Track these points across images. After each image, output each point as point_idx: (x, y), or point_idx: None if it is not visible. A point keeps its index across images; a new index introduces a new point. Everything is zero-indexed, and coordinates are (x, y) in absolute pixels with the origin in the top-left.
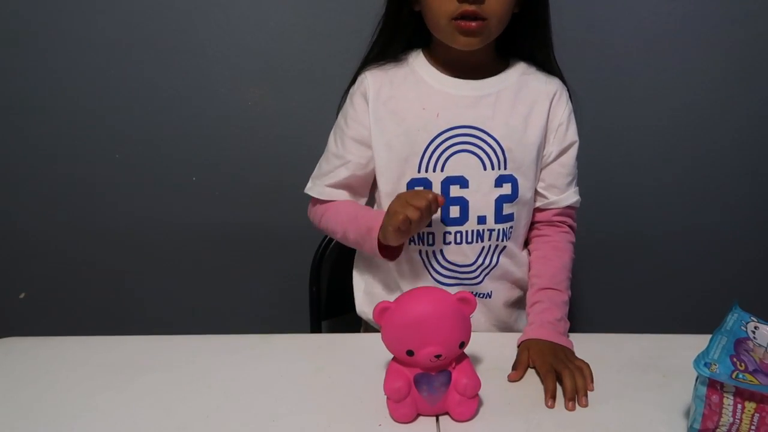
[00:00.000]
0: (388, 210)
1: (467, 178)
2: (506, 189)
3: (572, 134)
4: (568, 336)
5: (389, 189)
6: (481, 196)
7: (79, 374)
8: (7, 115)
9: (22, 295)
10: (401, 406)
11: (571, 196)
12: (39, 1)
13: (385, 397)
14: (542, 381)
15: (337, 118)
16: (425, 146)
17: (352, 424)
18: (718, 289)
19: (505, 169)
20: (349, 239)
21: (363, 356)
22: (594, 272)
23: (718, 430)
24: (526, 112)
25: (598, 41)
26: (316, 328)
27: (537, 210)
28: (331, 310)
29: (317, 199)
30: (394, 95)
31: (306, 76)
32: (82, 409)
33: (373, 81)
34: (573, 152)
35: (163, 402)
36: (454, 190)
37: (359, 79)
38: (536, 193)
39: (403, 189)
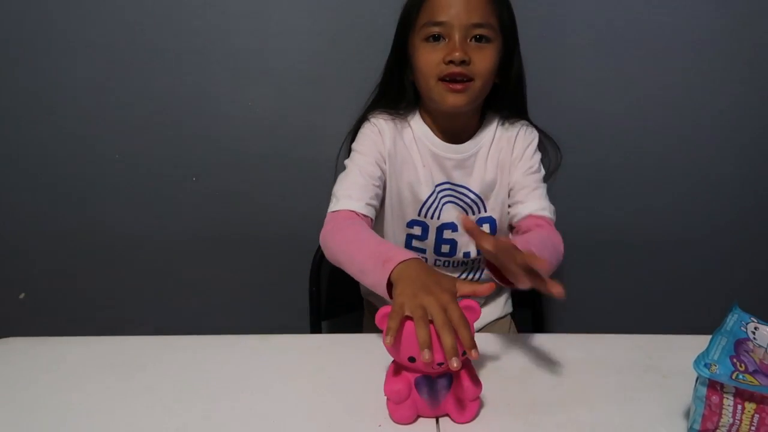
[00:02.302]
0: (412, 286)
1: (457, 223)
2: (485, 228)
3: (527, 161)
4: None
5: (392, 223)
6: (467, 238)
7: (79, 374)
8: (7, 115)
9: (22, 295)
10: (401, 408)
11: (533, 204)
12: (39, 2)
13: (385, 397)
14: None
15: (350, 150)
16: (425, 198)
17: (352, 424)
18: (718, 289)
19: (485, 211)
20: (357, 258)
21: (363, 356)
22: (594, 272)
23: (718, 430)
24: (496, 163)
25: (598, 41)
26: (316, 328)
27: (510, 227)
28: (331, 310)
29: (353, 211)
30: (403, 148)
31: (306, 76)
32: (81, 409)
33: (389, 130)
34: (530, 173)
35: (163, 402)
36: (447, 234)
37: (374, 122)
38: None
39: (404, 226)
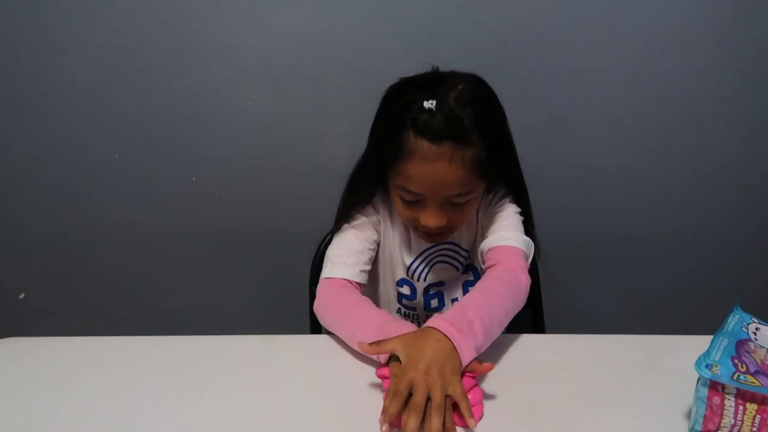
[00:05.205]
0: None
1: (444, 280)
2: (470, 275)
3: (498, 199)
4: (474, 348)
5: (383, 280)
6: (454, 288)
7: (79, 374)
8: (7, 115)
9: (22, 295)
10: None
11: (495, 236)
12: (39, 1)
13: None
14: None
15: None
16: (412, 260)
17: (352, 425)
18: (719, 289)
19: (469, 259)
20: (358, 334)
21: (363, 357)
22: (594, 272)
23: (719, 431)
24: (475, 217)
25: (597, 41)
26: (316, 329)
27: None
28: None
29: (346, 280)
30: (396, 214)
31: (306, 76)
32: (81, 409)
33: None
34: (499, 209)
35: (163, 403)
36: (434, 289)
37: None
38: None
39: (394, 284)
